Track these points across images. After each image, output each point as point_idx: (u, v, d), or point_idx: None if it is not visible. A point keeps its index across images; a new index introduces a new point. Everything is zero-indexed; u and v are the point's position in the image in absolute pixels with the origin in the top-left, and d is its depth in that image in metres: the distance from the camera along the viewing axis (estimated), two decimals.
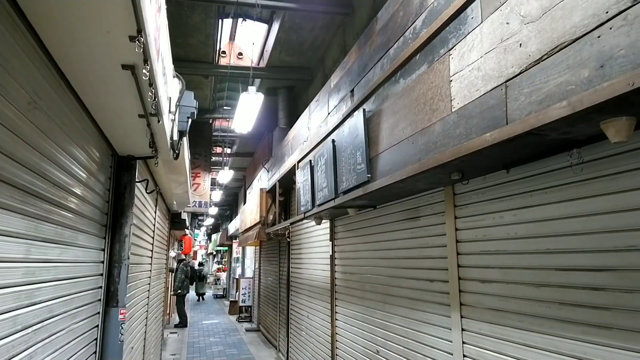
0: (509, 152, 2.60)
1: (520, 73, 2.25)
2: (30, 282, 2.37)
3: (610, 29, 1.74)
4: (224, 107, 12.30)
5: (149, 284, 6.95)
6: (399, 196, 4.35)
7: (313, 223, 6.94)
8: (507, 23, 2.37)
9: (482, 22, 2.60)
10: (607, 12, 1.76)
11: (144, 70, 2.29)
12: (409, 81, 3.47)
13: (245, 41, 9.68)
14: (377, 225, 5.00)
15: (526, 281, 2.77)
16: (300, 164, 6.95)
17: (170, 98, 3.57)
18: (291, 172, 7.82)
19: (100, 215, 3.84)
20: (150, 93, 2.62)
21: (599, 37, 1.80)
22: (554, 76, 2.03)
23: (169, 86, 3.42)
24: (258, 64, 9.90)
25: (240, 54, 9.91)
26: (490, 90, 2.47)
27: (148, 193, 5.68)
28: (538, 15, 2.15)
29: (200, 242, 39.96)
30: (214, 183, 17.97)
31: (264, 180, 11.07)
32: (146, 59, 2.26)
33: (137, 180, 4.35)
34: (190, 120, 4.39)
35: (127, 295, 4.17)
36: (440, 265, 3.71)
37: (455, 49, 2.86)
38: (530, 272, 2.74)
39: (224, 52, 9.64)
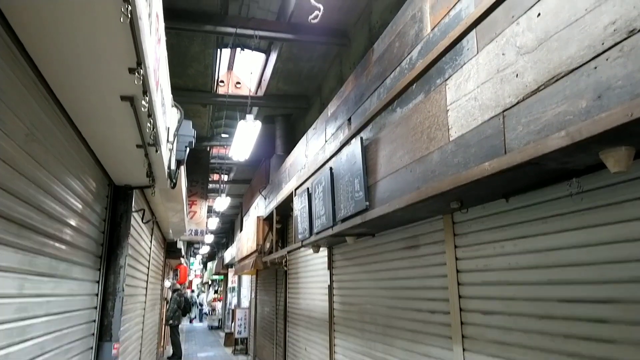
0: (508, 181, 2.59)
1: (517, 103, 2.27)
2: (23, 318, 2.31)
3: (607, 60, 1.76)
4: (222, 135, 12.36)
5: (144, 315, 6.81)
6: (398, 224, 4.31)
7: (311, 251, 6.87)
8: (503, 54, 2.41)
9: (477, 53, 2.64)
10: (603, 44, 1.78)
11: (143, 102, 2.30)
12: (405, 110, 3.49)
13: (244, 70, 9.80)
14: (376, 254, 4.94)
15: (529, 313, 2.72)
16: (297, 191, 6.93)
17: (168, 128, 3.57)
18: (288, 200, 7.79)
19: (96, 247, 3.78)
20: (149, 124, 2.62)
21: (595, 68, 1.82)
22: (552, 106, 2.04)
23: (167, 116, 3.43)
24: (256, 93, 10.00)
25: (238, 82, 10.02)
26: (488, 119, 2.49)
27: (144, 223, 5.62)
28: (534, 46, 2.18)
29: (195, 271, 39.46)
30: (210, 210, 17.88)
31: (260, 207, 11.02)
32: (145, 90, 2.27)
33: (133, 210, 4.31)
34: (188, 149, 4.39)
35: (121, 329, 4.07)
36: (441, 296, 3.65)
37: (452, 79, 2.89)
38: (533, 303, 2.69)
39: (222, 81, 9.75)
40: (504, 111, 2.36)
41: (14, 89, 2.03)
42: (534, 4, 2.17)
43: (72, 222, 3.08)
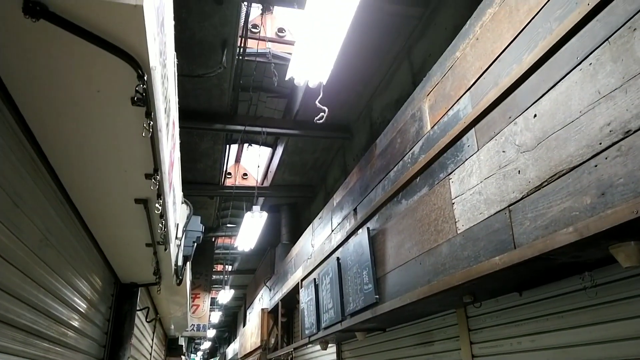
0: (519, 275, 2.56)
1: (522, 198, 2.32)
2: None
3: (606, 159, 1.84)
4: (228, 225, 12.41)
5: None
6: (409, 319, 4.18)
7: (318, 347, 6.57)
8: (504, 151, 2.50)
9: (478, 150, 2.75)
10: (600, 144, 1.87)
11: (157, 204, 2.36)
12: (411, 202, 3.55)
13: (250, 163, 10.13)
14: (389, 350, 4.73)
15: None
16: (304, 282, 6.80)
17: (177, 224, 3.62)
18: (294, 291, 7.61)
19: (98, 349, 3.65)
20: (160, 224, 2.66)
21: (596, 166, 1.89)
22: (557, 202, 2.08)
23: (177, 213, 3.50)
24: (262, 184, 10.23)
25: (245, 174, 10.28)
26: (494, 214, 2.52)
27: (148, 322, 5.46)
28: (533, 145, 2.27)
29: None
30: (213, 303, 17.39)
31: (265, 299, 10.73)
32: (159, 194, 2.34)
33: (137, 308, 4.22)
34: (195, 244, 4.41)
35: None
36: None
37: (455, 173, 2.98)
38: None
39: (229, 174, 10.02)
40: (509, 206, 2.41)
41: (33, 196, 2.11)
42: (530, 106, 2.31)
43: (77, 325, 3.01)
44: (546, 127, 2.19)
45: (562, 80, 2.11)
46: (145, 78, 1.48)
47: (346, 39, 3.42)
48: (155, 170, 2.12)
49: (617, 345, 2.22)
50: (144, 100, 1.59)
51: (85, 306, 3.16)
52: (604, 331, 2.30)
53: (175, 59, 2.46)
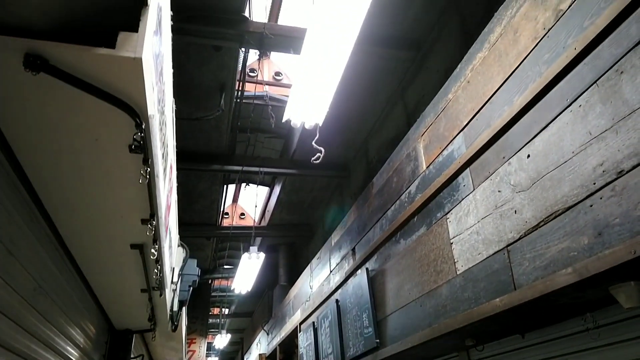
0: (521, 316, 2.52)
1: (520, 238, 2.31)
2: None
3: (601, 198, 1.85)
4: (225, 267, 12.25)
5: None
6: None
7: None
8: (499, 191, 2.52)
9: (474, 189, 2.76)
10: (594, 184, 1.88)
11: (153, 250, 2.34)
12: (409, 242, 3.53)
13: (248, 202, 10.11)
14: None
15: None
16: (302, 325, 6.65)
17: (173, 268, 3.57)
18: (293, 335, 7.43)
19: None
20: (156, 269, 2.63)
21: (591, 206, 1.89)
22: (554, 242, 2.08)
23: (173, 257, 3.46)
24: (260, 223, 10.17)
25: (242, 214, 10.25)
26: (493, 254, 2.51)
27: None
28: (528, 185, 2.29)
29: None
30: (209, 348, 16.91)
31: (263, 343, 10.45)
32: (155, 239, 2.33)
33: (132, 356, 4.10)
34: (191, 288, 4.34)
35: None
36: None
37: (452, 213, 2.98)
38: None
39: (226, 214, 9.99)
40: (507, 246, 2.39)
41: (28, 243, 2.09)
42: (523, 147, 2.34)
43: None
44: (540, 167, 2.22)
45: (554, 122, 2.15)
46: (144, 126, 1.50)
47: (341, 80, 3.51)
48: (152, 215, 2.11)
49: None
50: (142, 148, 1.61)
51: (77, 355, 3.07)
52: None
53: (174, 104, 2.51)
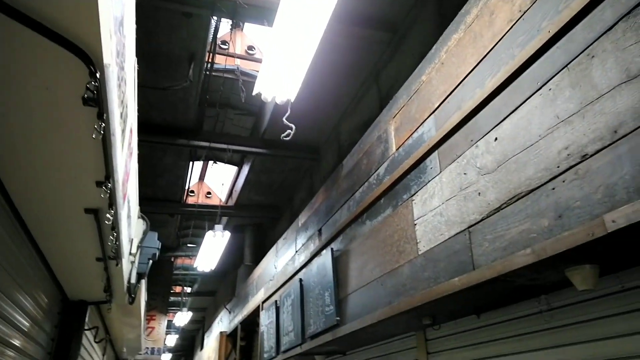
0: (478, 297, 2.56)
1: (481, 220, 2.33)
2: None
3: (564, 182, 1.87)
4: (188, 245, 12.06)
5: None
6: (370, 341, 4.11)
7: None
8: (465, 174, 2.53)
9: (441, 172, 2.76)
10: (558, 167, 1.90)
11: (108, 215, 2.24)
12: (375, 223, 3.53)
13: (215, 181, 9.93)
14: None
15: None
16: (265, 304, 6.63)
17: (132, 240, 3.46)
18: (255, 314, 7.41)
19: None
20: (112, 237, 2.53)
21: (553, 189, 1.91)
22: (515, 224, 2.10)
23: (132, 228, 3.35)
24: (226, 203, 10.03)
25: (209, 193, 10.07)
26: (455, 235, 2.53)
27: (97, 342, 5.16)
28: (493, 167, 2.30)
29: None
30: (170, 326, 16.74)
31: (224, 322, 10.41)
32: (111, 204, 2.22)
33: (86, 328, 3.97)
34: (151, 261, 4.22)
35: None
36: None
37: (418, 195, 2.99)
38: None
39: (192, 191, 9.79)
40: (469, 227, 2.41)
41: None
42: (491, 130, 2.35)
43: (18, 344, 2.79)
44: (506, 150, 2.23)
45: (523, 105, 2.15)
46: (98, 76, 1.40)
47: (316, 60, 3.44)
48: (107, 177, 2.01)
49: None
50: (96, 101, 1.51)
51: (27, 324, 2.94)
52: (560, 355, 2.30)
53: (136, 65, 2.38)
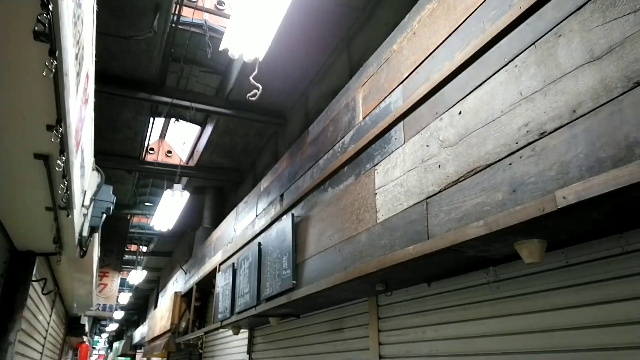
0: (430, 265, 2.64)
1: (439, 192, 2.38)
2: None
3: (520, 157, 1.92)
4: (146, 204, 11.81)
5: None
6: (324, 305, 4.20)
7: (230, 332, 6.44)
8: (427, 146, 2.56)
9: (404, 143, 2.79)
10: (517, 143, 1.95)
11: (59, 161, 2.13)
12: (337, 191, 3.55)
13: (176, 140, 9.67)
14: (300, 336, 4.73)
15: None
16: (222, 266, 6.64)
17: (85, 191, 3.33)
18: (211, 275, 7.41)
19: None
20: (62, 185, 2.42)
21: (510, 164, 1.97)
22: (471, 197, 2.16)
23: (85, 179, 3.22)
24: (187, 163, 9.82)
25: (169, 151, 9.82)
26: (413, 205, 2.57)
27: (45, 294, 5.03)
28: (455, 141, 2.34)
29: (99, 350, 35.48)
30: (123, 284, 16.54)
31: (180, 282, 10.37)
32: (63, 150, 2.11)
33: (33, 279, 3.85)
34: (105, 215, 4.10)
35: None
36: None
37: (380, 164, 3.01)
38: None
39: (152, 149, 9.51)
40: (427, 198, 2.46)
41: None
42: (456, 103, 2.37)
43: None
44: (469, 125, 2.26)
45: (489, 80, 2.18)
46: (51, 8, 1.30)
47: (287, 21, 3.34)
48: (59, 121, 1.90)
49: (515, 338, 2.35)
50: (49, 36, 1.41)
51: None
52: (503, 324, 2.43)
53: (96, 6, 2.24)
